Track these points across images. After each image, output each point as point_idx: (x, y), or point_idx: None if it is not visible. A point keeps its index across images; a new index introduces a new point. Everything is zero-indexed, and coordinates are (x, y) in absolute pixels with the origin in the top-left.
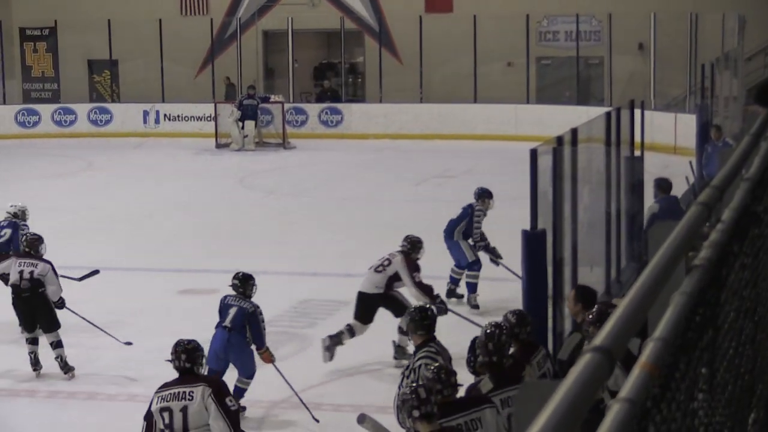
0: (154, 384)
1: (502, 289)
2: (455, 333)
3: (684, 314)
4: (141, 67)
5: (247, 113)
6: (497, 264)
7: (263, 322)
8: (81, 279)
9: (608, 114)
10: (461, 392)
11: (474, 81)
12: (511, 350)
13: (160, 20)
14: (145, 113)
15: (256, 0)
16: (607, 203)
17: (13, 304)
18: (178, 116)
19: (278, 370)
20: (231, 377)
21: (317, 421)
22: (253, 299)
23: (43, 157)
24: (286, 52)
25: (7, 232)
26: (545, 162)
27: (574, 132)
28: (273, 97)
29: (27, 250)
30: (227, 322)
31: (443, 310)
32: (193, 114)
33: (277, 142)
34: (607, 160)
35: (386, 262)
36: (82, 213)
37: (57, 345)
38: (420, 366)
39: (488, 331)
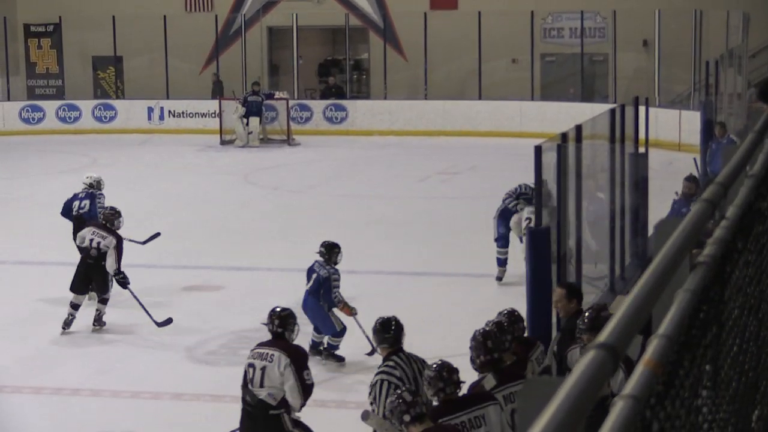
0: (156, 382)
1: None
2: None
3: (688, 311)
4: (145, 64)
5: (252, 110)
6: None
7: (337, 287)
8: (144, 242)
9: (612, 111)
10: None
11: (478, 78)
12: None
13: (165, 17)
14: (150, 110)
15: None
16: (612, 200)
17: (79, 265)
18: (183, 113)
19: (358, 324)
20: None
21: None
22: (338, 266)
23: (48, 154)
24: (291, 49)
25: (86, 203)
26: (549, 159)
27: (578, 129)
28: (277, 94)
29: (104, 222)
30: (307, 287)
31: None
32: (197, 110)
33: (281, 139)
34: (611, 156)
35: None
36: None
37: (103, 301)
38: (377, 383)
39: (485, 329)
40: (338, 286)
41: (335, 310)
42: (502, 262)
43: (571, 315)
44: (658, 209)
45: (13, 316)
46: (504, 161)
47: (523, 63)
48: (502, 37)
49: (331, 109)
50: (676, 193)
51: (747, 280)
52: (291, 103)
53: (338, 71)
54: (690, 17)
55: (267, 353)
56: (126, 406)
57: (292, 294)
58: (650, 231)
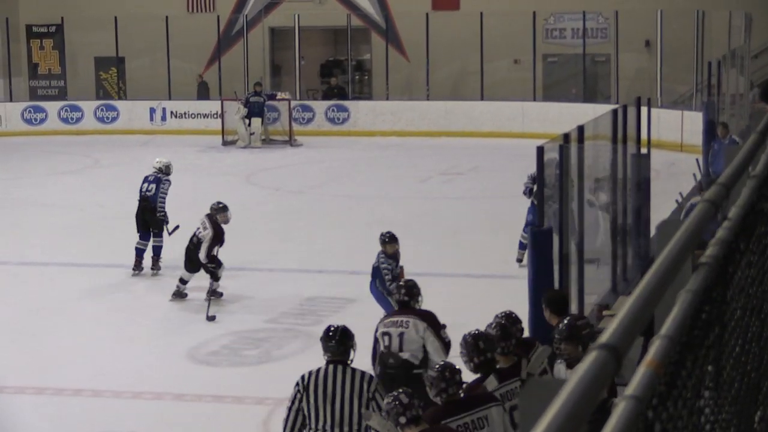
0: (157, 383)
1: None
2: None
3: (690, 312)
4: (147, 65)
5: (254, 110)
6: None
7: (388, 273)
8: (170, 234)
9: (615, 111)
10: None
11: (481, 78)
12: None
13: (167, 17)
14: (152, 110)
15: None
16: (614, 200)
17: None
18: (185, 113)
19: None
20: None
21: None
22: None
23: (50, 154)
24: (293, 50)
25: (153, 186)
26: (552, 159)
27: (580, 129)
28: (279, 95)
29: (211, 213)
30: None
31: None
32: (199, 111)
33: (283, 140)
34: (613, 157)
35: None
36: (89, 210)
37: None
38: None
39: (473, 332)
40: (388, 275)
41: None
42: (522, 246)
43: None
44: (660, 210)
45: (15, 317)
46: (506, 162)
47: (525, 63)
48: (503, 37)
49: (333, 110)
50: (681, 194)
51: (749, 280)
52: (293, 103)
53: (340, 72)
54: (692, 18)
55: (401, 321)
56: (127, 406)
57: (294, 295)
58: (652, 231)
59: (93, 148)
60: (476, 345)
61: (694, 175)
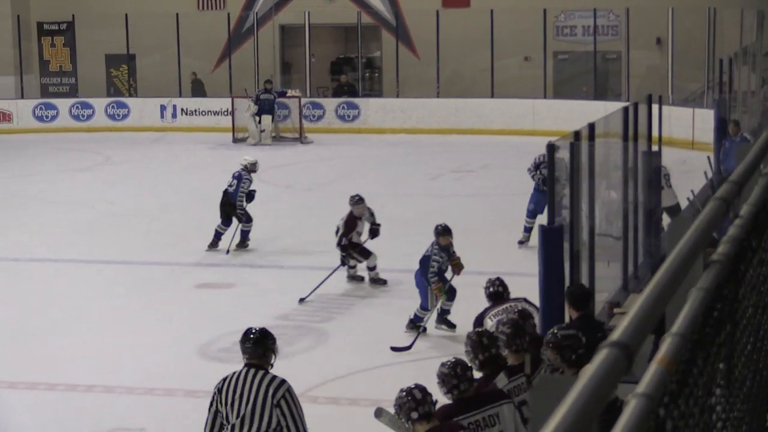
0: (169, 379)
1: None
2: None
3: (702, 310)
4: (158, 62)
5: (264, 108)
6: None
7: (434, 266)
8: None
9: (626, 109)
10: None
11: (491, 76)
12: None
13: (177, 15)
14: (162, 108)
15: None
16: (624, 198)
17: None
18: (195, 110)
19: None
20: None
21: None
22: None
23: (61, 152)
24: (303, 47)
25: (235, 182)
26: (562, 157)
27: (591, 127)
28: (290, 92)
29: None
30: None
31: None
32: (210, 108)
33: (293, 137)
34: (624, 155)
35: None
36: (100, 207)
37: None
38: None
39: (477, 329)
40: (434, 267)
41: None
42: (527, 229)
43: (576, 319)
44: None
45: (25, 314)
46: (516, 159)
47: (536, 61)
48: (514, 35)
49: (343, 107)
50: (692, 192)
51: (761, 278)
52: (303, 101)
53: (350, 69)
54: (703, 15)
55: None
56: (139, 402)
57: (304, 293)
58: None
59: (104, 145)
60: (480, 342)
61: (705, 173)
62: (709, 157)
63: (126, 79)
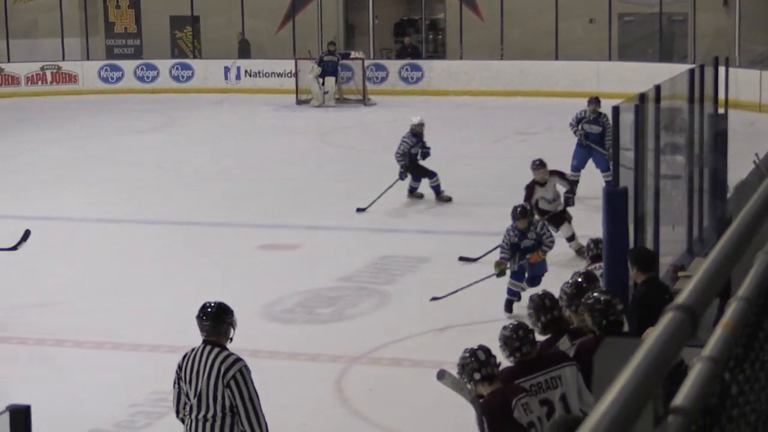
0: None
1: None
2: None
3: None
4: (222, 24)
5: (328, 69)
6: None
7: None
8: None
9: (692, 71)
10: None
11: (555, 37)
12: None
13: None
14: (227, 69)
15: None
16: (690, 161)
17: None
18: (259, 72)
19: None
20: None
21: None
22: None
23: (126, 113)
24: (367, 9)
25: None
26: (628, 119)
27: (657, 89)
28: (353, 54)
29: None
30: None
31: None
32: (273, 70)
33: (357, 99)
34: (690, 117)
35: None
36: (165, 168)
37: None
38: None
39: (540, 292)
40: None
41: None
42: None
43: (643, 282)
44: (738, 170)
45: (92, 273)
46: None
47: (601, 23)
48: None
49: (406, 69)
50: (756, 155)
51: None
52: (366, 63)
53: (414, 31)
54: None
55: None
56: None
57: (369, 253)
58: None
59: (168, 106)
60: (543, 304)
61: None
62: None
63: (190, 41)
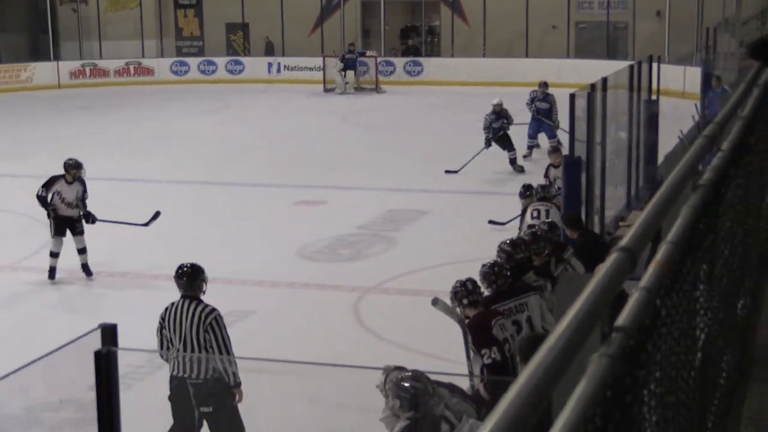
0: (274, 274)
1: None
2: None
3: (690, 223)
4: (266, 29)
5: (348, 65)
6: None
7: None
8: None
9: (631, 66)
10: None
11: (526, 40)
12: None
13: None
14: (269, 65)
15: None
16: (629, 136)
17: None
18: (295, 67)
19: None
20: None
21: None
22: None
23: (192, 99)
24: (379, 18)
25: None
26: (581, 104)
27: (604, 80)
28: (368, 53)
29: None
30: None
31: None
32: (306, 65)
33: (371, 88)
34: (629, 102)
35: None
36: (222, 142)
37: None
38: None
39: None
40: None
41: None
42: (529, 147)
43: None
44: (666, 143)
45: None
46: None
47: (561, 29)
48: (545, 7)
49: (410, 65)
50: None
51: (737, 199)
52: (379, 59)
53: (416, 35)
54: None
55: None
56: (251, 292)
57: (378, 206)
58: (660, 160)
59: (224, 94)
60: (512, 251)
61: (693, 116)
62: (696, 105)
63: (242, 43)
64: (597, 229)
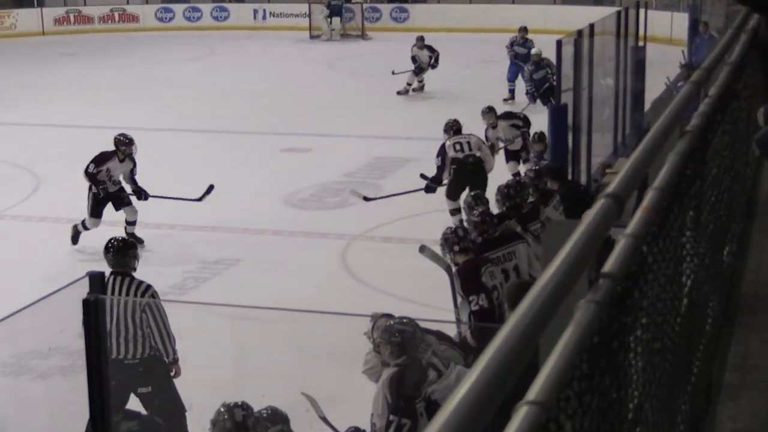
0: (260, 221)
1: None
2: None
3: (677, 169)
4: None
5: (334, 11)
6: None
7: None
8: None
9: (618, 13)
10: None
11: None
12: (532, 199)
13: None
14: (255, 11)
15: None
16: (616, 83)
17: None
18: (281, 13)
19: None
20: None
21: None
22: None
23: (177, 45)
24: None
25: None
26: (568, 50)
27: (591, 27)
28: None
29: None
30: None
31: None
32: (292, 12)
33: (357, 34)
34: (616, 49)
35: None
36: (207, 88)
37: None
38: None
39: (509, 182)
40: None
41: None
42: (510, 91)
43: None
44: (653, 90)
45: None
46: None
47: None
48: None
49: (396, 11)
50: (668, 78)
51: (723, 145)
52: (365, 6)
53: None
54: None
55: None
56: (237, 239)
57: (365, 154)
58: (647, 107)
59: (209, 40)
60: (508, 193)
61: (680, 62)
62: (683, 51)
63: None
64: (584, 176)
